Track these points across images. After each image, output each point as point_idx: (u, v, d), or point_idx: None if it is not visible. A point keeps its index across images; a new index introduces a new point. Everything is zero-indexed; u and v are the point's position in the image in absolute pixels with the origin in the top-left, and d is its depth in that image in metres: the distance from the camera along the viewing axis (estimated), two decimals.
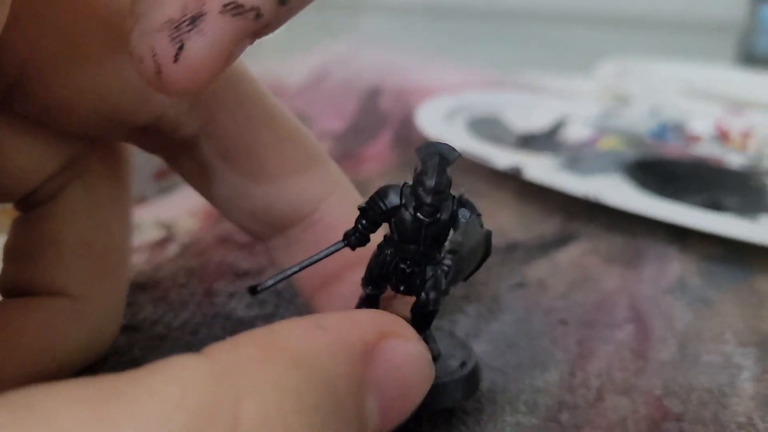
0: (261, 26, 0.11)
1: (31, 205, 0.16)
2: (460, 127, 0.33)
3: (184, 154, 0.16)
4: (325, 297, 0.16)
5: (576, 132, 0.34)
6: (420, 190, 0.13)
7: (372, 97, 0.44)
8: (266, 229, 0.16)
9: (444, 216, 0.13)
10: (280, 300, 0.21)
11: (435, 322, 0.15)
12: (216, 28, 0.11)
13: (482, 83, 0.45)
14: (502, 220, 0.27)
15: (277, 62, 0.47)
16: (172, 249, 0.24)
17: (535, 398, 0.17)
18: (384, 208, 0.13)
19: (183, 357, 0.09)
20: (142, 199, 0.27)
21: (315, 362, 0.09)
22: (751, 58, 0.90)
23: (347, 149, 0.34)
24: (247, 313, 0.20)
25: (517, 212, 0.28)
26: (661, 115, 0.37)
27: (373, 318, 0.11)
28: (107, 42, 0.13)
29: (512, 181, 0.29)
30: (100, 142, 0.16)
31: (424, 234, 0.13)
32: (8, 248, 0.16)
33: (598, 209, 0.27)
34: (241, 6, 0.11)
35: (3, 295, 0.16)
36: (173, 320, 0.19)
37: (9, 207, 0.16)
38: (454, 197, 0.13)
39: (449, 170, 0.13)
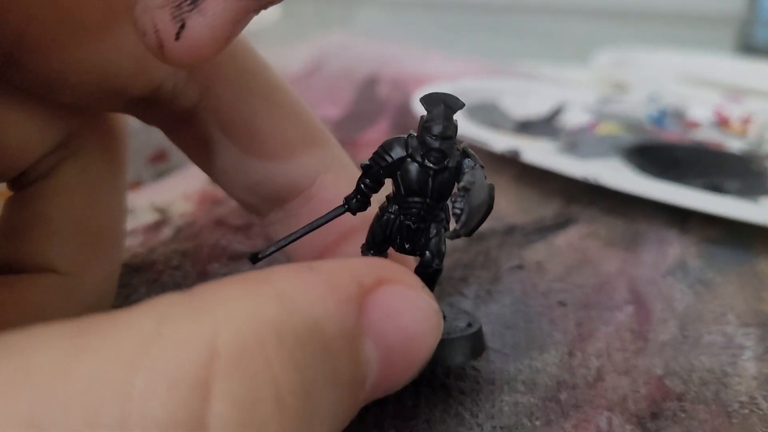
0: (261, 5, 0.11)
1: (24, 184, 0.15)
2: (458, 113, 0.33)
3: (183, 126, 0.15)
4: None
5: (574, 118, 0.34)
6: (427, 137, 0.12)
7: (369, 85, 0.43)
8: (264, 202, 0.16)
9: (451, 163, 0.13)
10: None
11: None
12: (216, 8, 0.11)
13: (480, 72, 0.45)
14: (501, 203, 0.27)
15: (274, 51, 0.46)
16: (166, 232, 0.23)
17: (534, 378, 0.17)
18: (390, 159, 0.13)
19: (165, 295, 0.09)
20: (137, 183, 0.27)
21: (300, 298, 0.09)
22: (750, 48, 0.90)
23: (345, 136, 0.34)
24: None
25: (516, 196, 0.28)
26: (660, 102, 0.37)
27: (371, 263, 0.11)
28: (104, 12, 0.12)
29: (511, 166, 0.29)
30: (97, 114, 0.16)
31: (432, 184, 0.13)
32: (0, 226, 0.16)
33: (597, 193, 0.26)
34: None
35: None
36: None
37: (2, 188, 0.16)
38: (458, 149, 0.13)
39: (455, 118, 0.13)
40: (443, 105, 0.13)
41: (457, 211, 0.12)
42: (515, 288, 0.21)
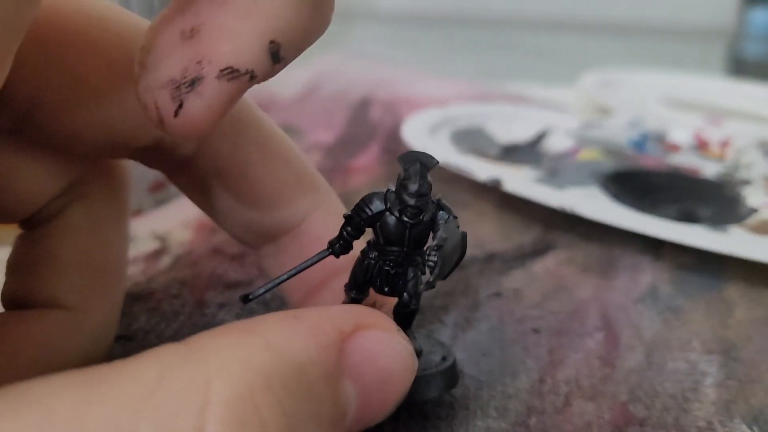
0: (255, 83, 0.12)
1: (34, 223, 0.17)
2: (444, 139, 0.34)
3: (182, 171, 0.17)
4: (311, 304, 0.17)
5: (558, 143, 0.35)
6: (404, 194, 0.14)
7: (362, 108, 0.44)
8: (257, 238, 0.18)
9: (426, 217, 0.14)
10: (269, 310, 0.22)
11: (416, 328, 0.16)
12: (212, 91, 0.12)
13: (469, 94, 0.46)
14: (483, 230, 0.28)
15: None
16: (166, 260, 0.24)
17: (506, 404, 0.18)
18: (370, 213, 0.14)
19: (164, 346, 0.10)
20: (138, 211, 0.28)
21: (286, 347, 0.10)
22: (740, 63, 0.91)
23: (337, 162, 0.35)
24: None
25: (498, 222, 0.29)
26: (642, 126, 0.38)
27: (349, 311, 0.12)
28: (110, 76, 0.14)
29: (493, 193, 0.30)
30: (104, 161, 0.17)
31: (408, 235, 0.14)
32: (11, 263, 0.17)
33: (576, 219, 0.28)
34: (236, 71, 0.12)
35: (4, 307, 0.17)
36: (165, 330, 0.20)
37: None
38: (433, 201, 0.14)
39: (429, 176, 0.14)
40: (419, 163, 0.14)
41: (431, 264, 0.13)
42: (492, 315, 0.22)
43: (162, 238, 0.26)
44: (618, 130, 0.37)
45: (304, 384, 0.10)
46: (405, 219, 0.14)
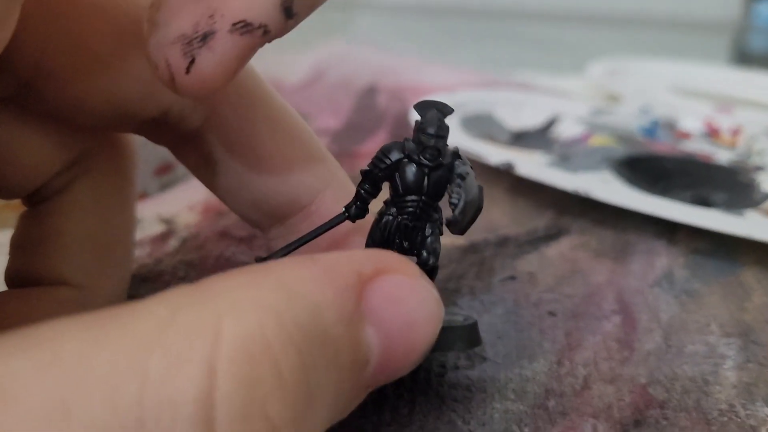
0: (268, 40, 0.12)
1: (38, 200, 0.16)
2: (454, 124, 0.34)
3: (189, 146, 0.16)
4: None
5: (568, 129, 0.35)
6: (422, 137, 0.14)
7: (368, 95, 0.44)
8: (266, 218, 0.17)
9: (445, 161, 0.14)
10: None
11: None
12: (225, 45, 0.11)
13: (477, 82, 0.46)
14: (495, 214, 0.28)
15: (275, 61, 0.47)
16: (173, 243, 0.24)
17: (524, 386, 0.18)
18: (388, 162, 0.14)
19: (175, 287, 0.10)
20: (143, 195, 0.28)
21: (300, 287, 0.10)
22: (745, 56, 0.91)
23: (344, 147, 0.35)
24: None
25: (510, 207, 0.28)
26: (652, 113, 0.38)
27: (371, 254, 0.12)
28: (116, 42, 0.13)
29: (505, 178, 0.30)
30: (109, 134, 0.17)
31: (427, 182, 0.14)
32: (15, 240, 0.16)
33: (588, 205, 0.27)
34: (249, 24, 0.11)
35: (8, 285, 0.16)
36: None
37: (14, 202, 0.17)
38: (449, 149, 0.14)
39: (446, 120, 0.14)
40: (435, 109, 0.14)
41: (455, 200, 0.13)
42: (507, 298, 0.22)
43: (168, 221, 0.26)
44: (628, 117, 0.36)
45: (320, 326, 0.10)
46: (424, 162, 0.14)
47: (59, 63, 0.14)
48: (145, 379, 0.08)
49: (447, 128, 0.14)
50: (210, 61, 0.11)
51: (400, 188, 0.14)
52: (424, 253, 0.14)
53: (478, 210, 0.14)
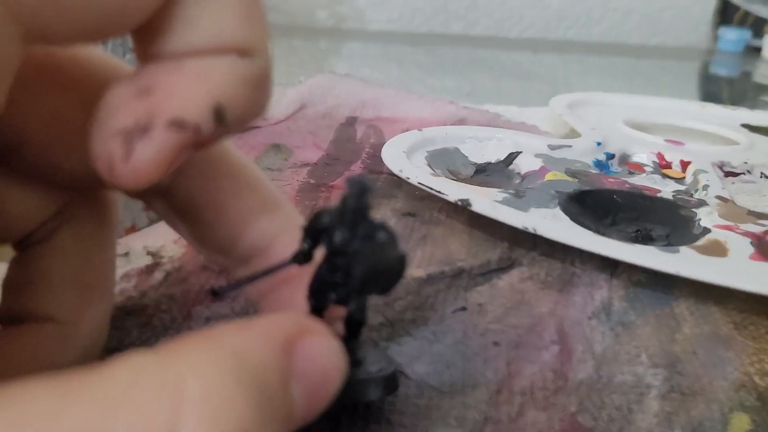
0: (200, 140, 0.13)
1: (26, 245, 0.18)
2: (420, 160, 0.36)
3: (158, 200, 0.18)
4: (266, 303, 0.19)
5: (527, 164, 0.37)
6: (344, 209, 0.16)
7: (346, 128, 0.46)
8: (230, 261, 0.19)
9: (361, 232, 0.16)
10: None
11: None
12: (161, 138, 0.13)
13: (450, 115, 0.48)
14: (453, 246, 0.30)
15: None
16: (157, 276, 0.26)
17: (464, 413, 0.19)
18: (318, 226, 0.16)
19: (134, 351, 0.11)
20: (133, 228, 0.29)
21: (247, 351, 0.11)
22: (712, 81, 0.94)
23: (321, 180, 0.37)
24: None
25: (468, 240, 0.30)
26: (607, 147, 0.40)
27: (292, 318, 0.14)
28: (86, 111, 0.15)
29: (464, 211, 0.32)
30: (88, 191, 0.19)
31: (348, 248, 0.16)
32: (5, 283, 0.18)
33: (539, 238, 0.29)
34: (184, 122, 0.13)
35: (1, 324, 0.18)
36: (156, 343, 0.22)
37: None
38: (374, 222, 0.16)
39: (368, 197, 0.16)
40: (359, 185, 0.16)
41: (354, 273, 0.15)
42: (457, 329, 0.24)
43: (154, 254, 0.27)
44: (584, 152, 0.39)
45: (265, 386, 0.11)
46: (344, 232, 0.16)
47: (39, 133, 0.15)
48: None
49: (366, 204, 0.15)
50: (147, 151, 0.13)
51: (328, 250, 0.16)
52: (352, 306, 0.16)
53: (396, 277, 0.16)
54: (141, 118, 0.13)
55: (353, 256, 0.15)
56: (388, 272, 0.16)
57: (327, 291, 0.16)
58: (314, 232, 0.16)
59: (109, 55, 0.16)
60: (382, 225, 0.16)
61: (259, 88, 0.14)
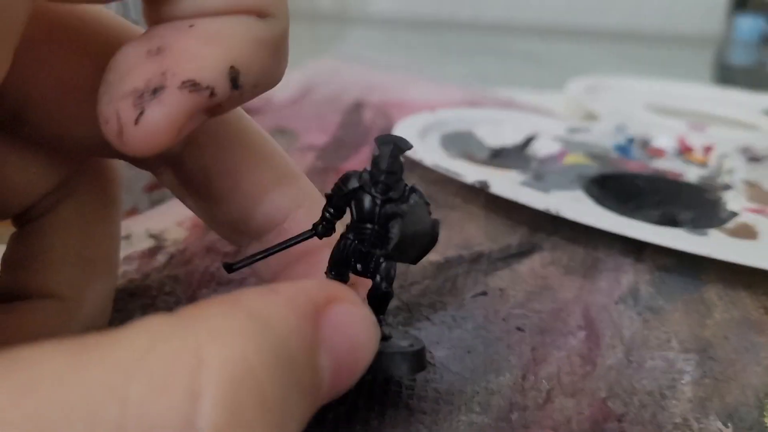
0: (214, 104, 0.13)
1: (27, 220, 0.17)
2: (434, 143, 0.35)
3: (169, 170, 0.17)
4: (284, 279, 0.18)
5: (545, 147, 0.36)
6: (375, 171, 0.15)
7: (354, 112, 0.45)
8: (242, 236, 0.18)
9: (395, 195, 0.15)
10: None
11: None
12: (173, 100, 0.12)
13: (461, 99, 0.47)
14: (471, 231, 0.29)
15: None
16: (160, 258, 0.25)
17: (489, 399, 0.18)
18: (345, 190, 0.15)
19: (154, 315, 0.10)
20: (134, 210, 0.28)
21: (269, 318, 0.11)
22: (727, 69, 0.93)
23: (329, 163, 0.36)
24: None
25: (485, 224, 0.29)
26: (627, 131, 0.39)
27: (321, 285, 0.13)
28: (96, 75, 0.14)
29: (482, 195, 0.31)
30: (94, 159, 0.18)
31: (378, 212, 0.15)
32: (5, 259, 0.17)
33: (561, 221, 0.28)
34: (198, 84, 0.12)
35: (0, 301, 0.17)
36: None
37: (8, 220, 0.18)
38: (406, 185, 0.15)
39: (402, 158, 0.15)
40: (393, 145, 0.15)
41: (391, 235, 0.14)
42: (478, 314, 0.23)
43: (157, 237, 0.26)
44: (604, 135, 0.38)
45: (288, 353, 0.10)
46: (375, 194, 0.15)
47: (45, 97, 0.14)
48: (126, 403, 0.08)
49: (400, 165, 0.15)
50: (159, 113, 0.12)
51: (355, 216, 0.15)
52: (378, 278, 0.15)
53: (429, 245, 0.15)
54: (152, 79, 0.12)
55: (388, 219, 0.15)
56: (423, 237, 0.14)
57: (350, 262, 0.15)
58: (340, 198, 0.15)
59: (120, 18, 0.15)
60: (414, 188, 0.15)
61: (277, 52, 0.13)
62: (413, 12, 1.05)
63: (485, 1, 1.06)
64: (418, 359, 0.16)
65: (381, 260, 0.15)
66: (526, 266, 0.26)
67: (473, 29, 1.01)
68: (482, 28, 1.02)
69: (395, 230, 0.14)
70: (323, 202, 0.19)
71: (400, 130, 0.33)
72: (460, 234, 0.28)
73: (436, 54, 0.85)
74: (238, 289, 0.23)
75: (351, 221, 0.15)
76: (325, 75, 0.49)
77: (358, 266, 0.15)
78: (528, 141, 0.36)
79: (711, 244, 0.25)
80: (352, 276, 0.16)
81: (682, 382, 0.20)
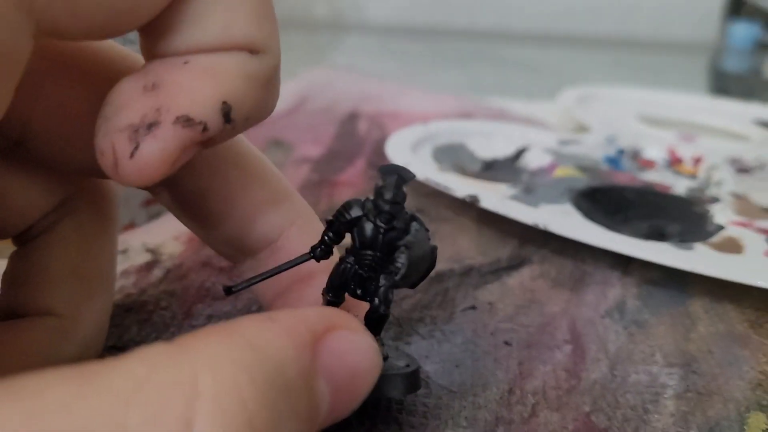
0: (206, 138, 0.13)
1: (27, 238, 0.18)
2: (426, 155, 0.35)
3: (165, 190, 0.18)
4: (281, 304, 0.18)
5: (536, 159, 0.36)
6: (380, 201, 0.15)
7: (349, 123, 0.46)
8: (237, 253, 0.19)
9: (398, 224, 0.15)
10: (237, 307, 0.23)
11: (389, 341, 0.17)
12: (167, 135, 0.13)
13: (454, 109, 0.48)
14: (462, 244, 0.29)
15: None
16: (157, 273, 0.25)
17: (475, 414, 0.19)
18: (348, 217, 0.16)
19: (152, 344, 0.10)
20: (131, 225, 0.29)
21: (266, 346, 0.11)
22: (722, 76, 0.93)
23: (323, 175, 0.36)
24: None
25: (476, 237, 0.30)
26: (618, 142, 0.40)
27: (320, 313, 0.13)
28: (96, 104, 0.15)
29: (473, 208, 0.31)
30: (93, 180, 0.18)
31: (381, 240, 0.15)
32: (5, 277, 0.18)
33: (550, 235, 0.29)
34: (191, 120, 0.13)
35: (0, 318, 0.18)
36: (155, 341, 0.21)
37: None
38: (407, 213, 0.16)
39: (406, 189, 0.15)
40: (397, 175, 0.15)
41: (399, 265, 0.15)
42: (467, 328, 0.23)
43: (154, 251, 0.27)
44: (594, 147, 0.38)
45: (283, 382, 0.11)
46: (379, 224, 0.15)
47: (46, 126, 0.15)
48: (124, 430, 0.09)
49: (404, 196, 0.15)
50: (153, 147, 0.13)
51: (357, 243, 0.15)
52: (376, 301, 0.15)
53: (428, 270, 0.15)
54: (147, 114, 0.13)
55: (390, 246, 0.15)
56: (423, 263, 0.15)
57: (348, 286, 0.16)
58: (342, 224, 0.16)
59: (118, 46, 0.16)
60: (414, 216, 0.15)
61: (268, 86, 0.14)
62: (408, 19, 1.06)
63: (480, 9, 1.06)
64: (414, 380, 0.17)
65: (380, 284, 0.15)
66: (516, 279, 0.27)
67: (468, 37, 1.01)
68: (477, 35, 1.03)
69: (403, 260, 0.14)
70: (315, 218, 0.19)
71: (392, 144, 0.34)
72: (452, 247, 0.29)
73: (431, 61, 0.86)
74: (234, 302, 0.24)
75: (351, 247, 0.16)
76: (319, 85, 0.49)
77: (358, 291, 0.16)
78: (519, 153, 0.36)
79: (696, 259, 0.25)
80: (347, 297, 0.17)
81: (665, 396, 0.20)
